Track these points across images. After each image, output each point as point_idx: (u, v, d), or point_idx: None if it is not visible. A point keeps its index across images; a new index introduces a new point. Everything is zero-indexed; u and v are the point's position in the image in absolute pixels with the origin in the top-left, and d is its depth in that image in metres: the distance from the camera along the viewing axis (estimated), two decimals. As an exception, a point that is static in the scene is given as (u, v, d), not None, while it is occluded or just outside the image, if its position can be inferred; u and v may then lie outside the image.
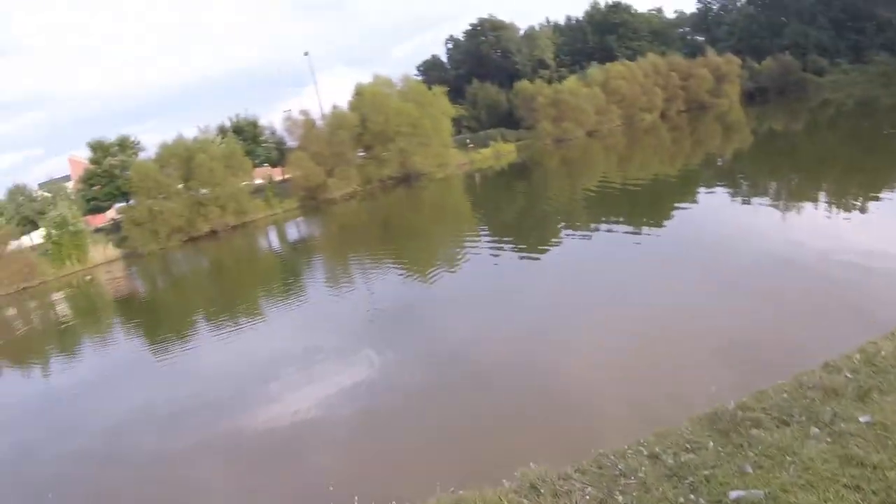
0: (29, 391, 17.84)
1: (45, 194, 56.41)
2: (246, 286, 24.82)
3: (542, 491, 4.96)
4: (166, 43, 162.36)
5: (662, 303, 10.27)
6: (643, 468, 4.87)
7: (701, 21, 78.99)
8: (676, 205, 18.35)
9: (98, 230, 53.70)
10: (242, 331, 16.37)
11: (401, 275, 17.64)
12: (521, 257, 15.74)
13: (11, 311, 39.82)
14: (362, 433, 8.47)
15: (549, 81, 62.79)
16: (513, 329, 10.76)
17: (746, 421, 5.20)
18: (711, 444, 5.01)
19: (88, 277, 44.83)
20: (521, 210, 24.95)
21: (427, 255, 19.63)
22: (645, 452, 5.15)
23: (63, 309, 36.06)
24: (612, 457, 5.19)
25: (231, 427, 9.94)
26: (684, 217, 16.91)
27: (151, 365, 15.86)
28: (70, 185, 58.78)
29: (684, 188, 21.46)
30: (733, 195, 19.00)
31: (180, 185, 48.36)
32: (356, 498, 6.20)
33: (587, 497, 4.70)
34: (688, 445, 5.08)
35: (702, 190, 20.43)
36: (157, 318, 23.93)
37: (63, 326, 29.21)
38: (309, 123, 51.60)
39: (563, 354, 9.23)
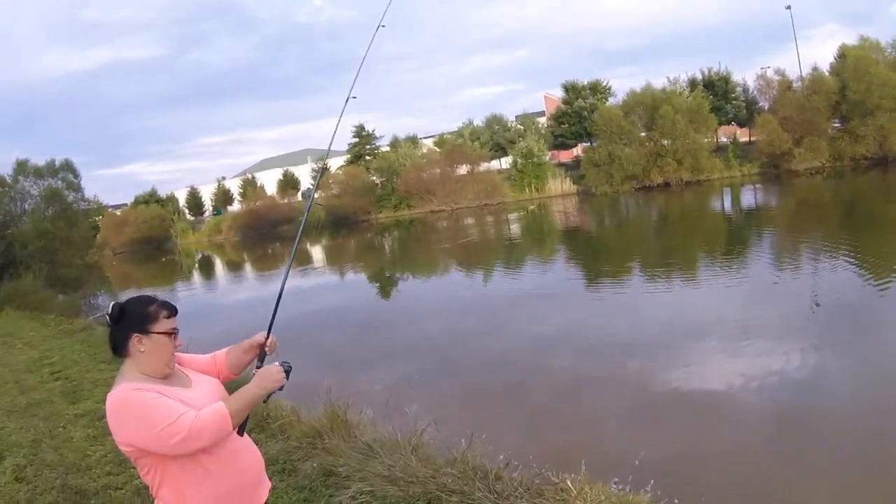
0: (464, 288, 21.30)
1: (519, 126, 62.90)
2: (688, 244, 25.30)
3: None
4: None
5: None
6: None
7: None
8: None
9: (560, 165, 58.61)
10: (673, 286, 16.99)
11: (856, 272, 16.08)
12: None
13: (469, 221, 45.83)
14: (773, 432, 7.82)
15: None
16: None
17: None
18: None
19: (541, 206, 49.21)
20: None
21: (891, 255, 17.64)
22: None
23: (514, 228, 40.52)
24: None
25: (639, 372, 10.41)
26: None
27: (582, 296, 17.69)
28: (542, 120, 64.46)
29: None
30: None
31: (642, 134, 50.28)
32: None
33: None
34: None
35: None
36: (597, 254, 25.86)
37: (510, 242, 33.07)
38: (784, 84, 49.30)
39: None
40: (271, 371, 2.67)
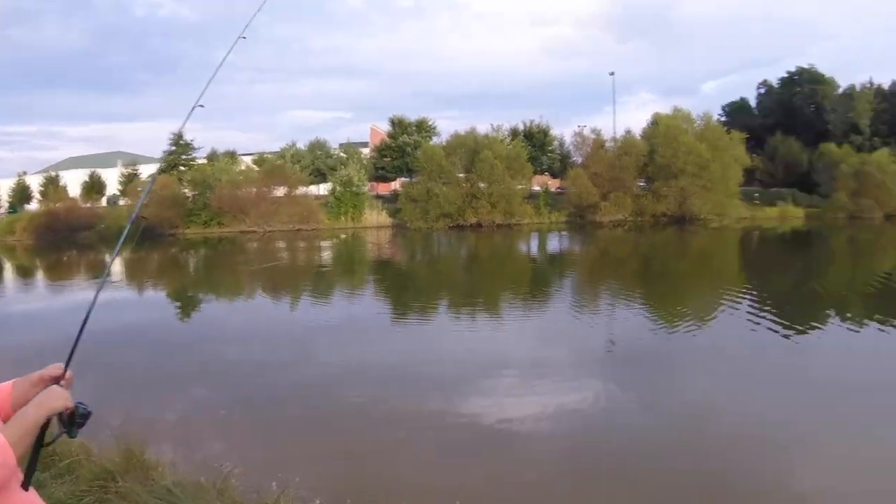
0: (269, 315, 20.21)
1: (342, 154, 62.33)
2: (494, 283, 25.81)
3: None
4: (486, 39, 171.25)
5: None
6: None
7: None
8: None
9: (378, 197, 58.43)
10: (477, 322, 17.14)
11: (648, 316, 17.43)
12: (777, 331, 14.46)
13: (281, 244, 44.77)
14: (561, 463, 8.20)
15: (859, 149, 57.65)
16: (742, 405, 9.94)
17: None
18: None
19: (355, 235, 48.88)
20: (792, 283, 23.62)
21: (679, 303, 19.19)
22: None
23: (326, 256, 39.83)
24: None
25: (438, 406, 10.28)
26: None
27: (386, 327, 17.21)
28: (366, 151, 64.33)
29: None
30: None
31: (461, 175, 51.22)
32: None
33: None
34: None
35: None
36: (405, 288, 25.63)
37: (321, 270, 32.41)
38: (598, 143, 52.46)
39: (788, 451, 8.22)
40: (53, 391, 2.15)
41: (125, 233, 2.91)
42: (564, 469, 8.03)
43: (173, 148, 64.07)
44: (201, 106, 3.27)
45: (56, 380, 2.29)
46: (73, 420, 2.17)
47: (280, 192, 56.52)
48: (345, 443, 8.92)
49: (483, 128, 55.44)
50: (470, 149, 51.55)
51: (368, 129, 76.07)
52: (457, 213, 49.69)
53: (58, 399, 2.10)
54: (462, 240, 44.06)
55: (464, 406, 10.31)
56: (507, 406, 10.18)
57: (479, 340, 14.92)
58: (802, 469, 7.75)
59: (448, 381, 11.67)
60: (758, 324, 15.39)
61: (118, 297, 25.30)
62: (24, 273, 39.63)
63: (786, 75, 70.95)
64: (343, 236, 48.93)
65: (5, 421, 2.23)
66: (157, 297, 26.39)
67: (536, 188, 55.43)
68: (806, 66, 69.46)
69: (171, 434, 8.41)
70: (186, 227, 56.32)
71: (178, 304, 23.90)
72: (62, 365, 2.37)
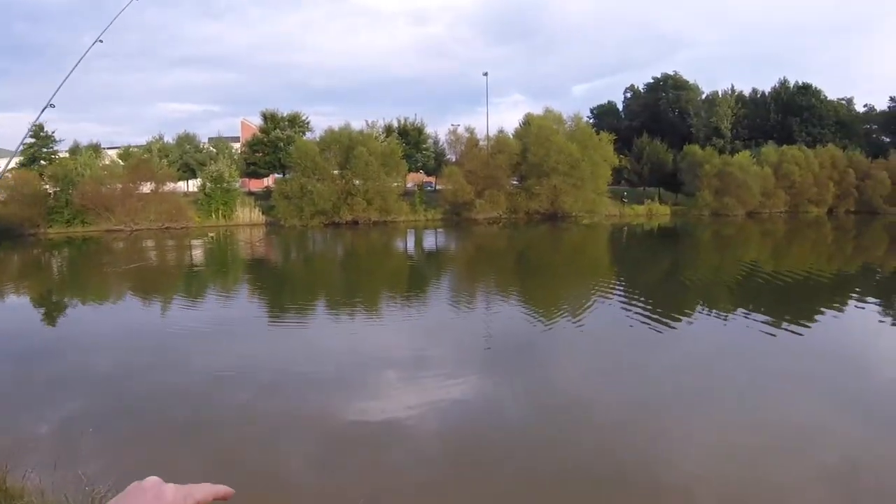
0: (139, 319, 19.46)
1: (211, 149, 60.32)
2: (371, 280, 25.82)
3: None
4: (363, 35, 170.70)
5: (779, 415, 9.44)
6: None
7: (890, 121, 73.12)
8: (822, 308, 17.81)
9: (250, 193, 56.99)
10: (356, 320, 17.12)
11: (524, 310, 17.91)
12: (648, 323, 15.24)
13: (150, 243, 43.13)
14: (445, 455, 8.41)
15: (721, 151, 61.44)
16: (618, 395, 10.48)
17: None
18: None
19: (227, 234, 47.59)
20: (660, 276, 24.79)
21: (554, 297, 19.88)
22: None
23: (197, 255, 38.63)
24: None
25: (320, 406, 10.34)
26: (829, 324, 15.80)
27: (262, 328, 16.96)
28: (237, 146, 62.52)
29: (835, 293, 20.82)
30: (884, 314, 18.27)
31: (335, 171, 50.66)
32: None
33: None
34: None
35: (853, 300, 19.70)
36: (281, 286, 25.22)
37: (192, 270, 31.47)
38: (472, 141, 53.16)
39: (658, 439, 8.67)
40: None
41: None
42: (449, 462, 8.20)
43: (32, 140, 60.48)
44: (52, 106, 3.15)
45: None
46: None
47: (147, 188, 54.13)
48: (226, 452, 8.73)
49: (358, 124, 55.45)
50: (344, 145, 51.01)
51: (239, 124, 74.01)
52: (332, 211, 49.08)
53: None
54: (338, 237, 43.66)
55: (348, 405, 10.31)
56: (391, 403, 10.26)
57: (360, 340, 14.93)
58: (673, 455, 8.15)
59: (330, 381, 11.66)
60: (629, 315, 16.20)
61: None
62: None
63: (652, 80, 74.37)
64: (215, 235, 47.49)
65: None
66: (17, 302, 24.85)
67: (411, 185, 55.59)
68: (671, 73, 72.99)
69: (37, 455, 7.90)
70: (49, 226, 53.00)
71: (41, 309, 22.50)
72: None
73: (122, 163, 57.66)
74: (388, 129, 57.11)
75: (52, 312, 21.82)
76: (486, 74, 64.22)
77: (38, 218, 52.15)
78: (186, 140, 62.07)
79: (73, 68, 3.11)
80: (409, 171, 54.66)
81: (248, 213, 53.07)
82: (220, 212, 52.64)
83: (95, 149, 60.55)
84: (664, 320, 15.62)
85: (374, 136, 53.86)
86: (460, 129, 55.09)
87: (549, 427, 9.14)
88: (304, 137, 55.91)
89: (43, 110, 2.92)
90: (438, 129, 72.85)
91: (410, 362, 12.72)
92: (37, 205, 52.27)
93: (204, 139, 63.70)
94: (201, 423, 9.77)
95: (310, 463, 8.33)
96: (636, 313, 16.28)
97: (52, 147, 60.72)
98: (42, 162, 58.92)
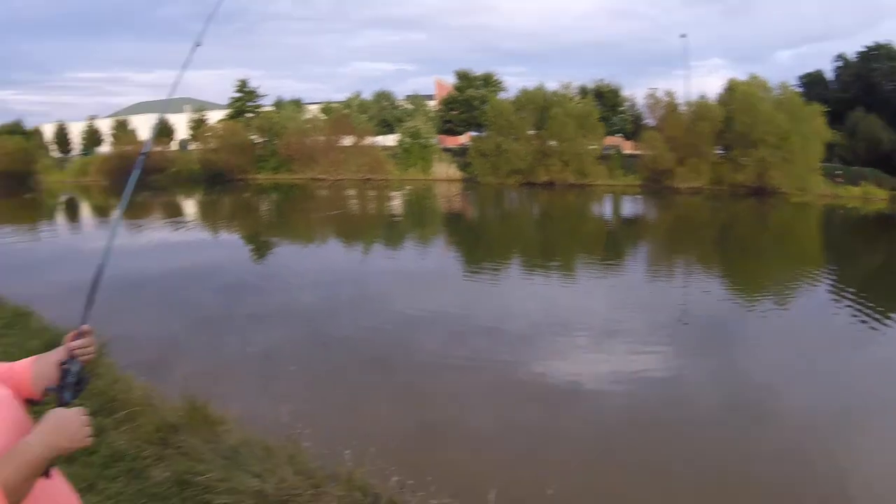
0: (339, 262, 20.62)
1: (408, 106, 61.53)
2: (568, 242, 25.65)
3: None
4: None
5: None
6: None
7: None
8: None
9: (447, 150, 57.81)
10: (550, 281, 17.22)
11: (724, 289, 17.29)
12: (859, 320, 13.65)
13: (351, 192, 44.79)
14: (618, 427, 8.19)
15: (943, 131, 55.94)
16: (813, 396, 9.55)
17: None
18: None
19: (425, 188, 48.62)
20: (877, 268, 22.50)
21: (758, 279, 18.94)
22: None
23: (396, 206, 39.72)
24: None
25: (505, 361, 10.41)
26: None
27: (457, 280, 17.49)
28: (431, 104, 63.46)
29: None
30: None
31: (531, 132, 50.32)
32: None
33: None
34: None
35: None
36: (476, 242, 25.92)
37: (391, 219, 32.29)
38: (671, 106, 50.97)
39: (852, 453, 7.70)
40: (67, 419, 1.68)
41: (135, 174, 2.49)
42: (622, 435, 8.04)
43: (238, 94, 64.19)
44: (199, 45, 3.06)
45: (69, 351, 1.93)
46: (70, 384, 1.85)
47: (347, 141, 56.31)
48: (412, 394, 9.12)
49: (551, 85, 54.25)
50: (539, 105, 50.83)
51: (433, 83, 75.25)
52: (528, 170, 49.16)
53: (72, 434, 1.65)
54: (534, 197, 43.81)
55: (532, 363, 10.38)
56: (575, 367, 10.23)
57: (551, 301, 14.90)
58: (863, 457, 7.54)
59: (517, 338, 11.71)
60: (838, 309, 14.86)
61: (191, 238, 25.60)
62: (101, 212, 40.42)
63: (863, 49, 68.69)
64: (409, 188, 48.71)
65: (28, 400, 1.93)
66: (229, 240, 26.64)
67: (609, 149, 54.25)
68: (883, 42, 67.19)
69: (238, 386, 8.25)
70: (257, 172, 56.85)
71: (249, 247, 24.30)
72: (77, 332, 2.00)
73: (323, 117, 60.04)
74: (583, 91, 55.94)
75: (259, 251, 23.24)
76: (684, 36, 61.79)
77: (246, 165, 56.02)
78: (383, 97, 63.92)
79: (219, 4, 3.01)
80: (606, 134, 53.24)
81: (444, 169, 54.14)
82: (418, 166, 54.00)
83: (297, 104, 63.61)
84: (879, 318, 13.91)
85: (569, 97, 52.99)
86: (659, 93, 52.96)
87: (731, 417, 8.64)
88: (499, 97, 55.87)
89: (193, 50, 2.84)
90: (635, 92, 69.88)
91: (600, 328, 12.59)
92: (244, 153, 56.14)
93: (400, 97, 65.18)
94: (391, 364, 10.17)
95: (487, 413, 8.44)
96: (846, 307, 14.77)
97: (256, 101, 64.18)
98: (248, 115, 62.32)
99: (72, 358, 1.88)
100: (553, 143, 49.19)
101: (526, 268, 19.25)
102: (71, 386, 1.82)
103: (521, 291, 15.85)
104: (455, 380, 9.57)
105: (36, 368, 1.97)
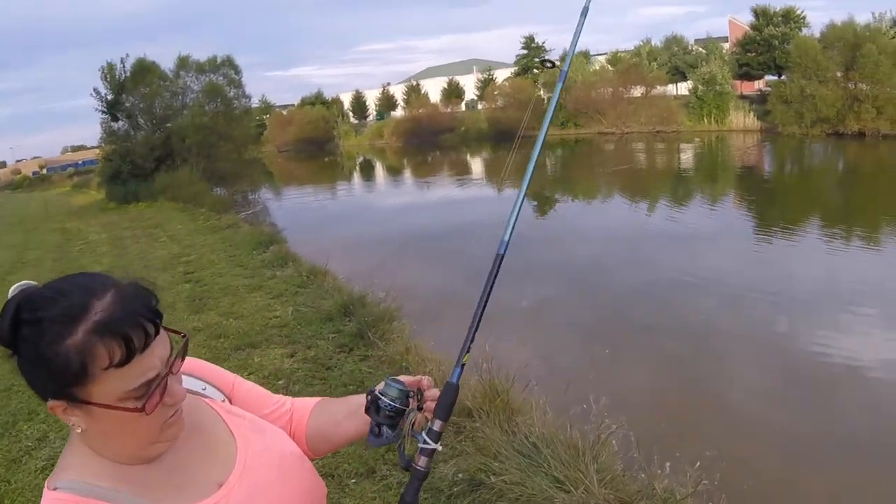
0: (621, 218, 20.96)
1: (700, 50, 59.91)
2: (874, 205, 22.53)
3: None
4: None
5: None
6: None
7: None
8: None
9: (743, 97, 55.82)
10: (850, 249, 15.51)
11: None
12: None
13: (639, 146, 44.95)
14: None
15: None
16: None
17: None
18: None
19: (719, 139, 47.22)
20: None
21: None
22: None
23: (686, 160, 39.28)
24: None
25: (779, 333, 9.84)
26: None
27: (742, 241, 16.79)
28: (726, 46, 61.30)
29: None
30: None
31: (838, 73, 46.78)
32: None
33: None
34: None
35: None
36: (771, 200, 24.44)
37: (680, 174, 31.89)
38: None
39: None
40: None
41: (542, 136, 2.19)
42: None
43: (524, 51, 66.26)
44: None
45: (415, 394, 1.51)
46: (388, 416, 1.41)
47: (637, 92, 56.35)
48: (676, 359, 8.97)
49: (862, 18, 49.49)
50: (849, 43, 46.10)
51: (726, 23, 72.09)
52: (836, 119, 45.04)
53: None
54: (841, 150, 40.26)
55: (810, 337, 9.67)
56: (860, 346, 9.20)
57: (846, 270, 13.57)
58: None
59: (799, 308, 11.00)
60: None
61: (480, 194, 28.76)
62: (394, 172, 44.69)
63: None
64: (698, 140, 47.82)
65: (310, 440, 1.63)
66: (512, 196, 28.04)
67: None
68: None
69: (539, 368, 7.62)
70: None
71: (533, 203, 25.05)
72: (424, 378, 1.58)
73: (611, 68, 60.39)
74: (897, 23, 50.64)
75: (542, 207, 24.75)
76: None
77: (533, 121, 57.34)
78: (674, 42, 62.89)
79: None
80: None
81: (741, 118, 52.37)
82: (713, 116, 52.71)
83: (585, 55, 64.35)
84: None
85: (882, 30, 48.04)
86: None
87: None
88: (802, 34, 52.49)
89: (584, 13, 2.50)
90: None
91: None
92: (532, 109, 57.52)
93: (690, 41, 63.52)
94: (658, 328, 10.10)
95: (751, 388, 8.09)
96: None
97: (542, 57, 65.66)
98: (535, 71, 64.29)
99: (409, 401, 1.46)
100: (864, 86, 44.81)
101: (824, 232, 17.45)
102: (388, 418, 1.39)
103: (814, 259, 14.69)
104: (717, 346, 9.35)
105: (318, 414, 1.65)
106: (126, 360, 1.09)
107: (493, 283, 1.62)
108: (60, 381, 1.08)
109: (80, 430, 1.14)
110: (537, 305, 11.79)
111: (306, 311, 8.53)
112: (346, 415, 1.59)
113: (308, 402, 1.68)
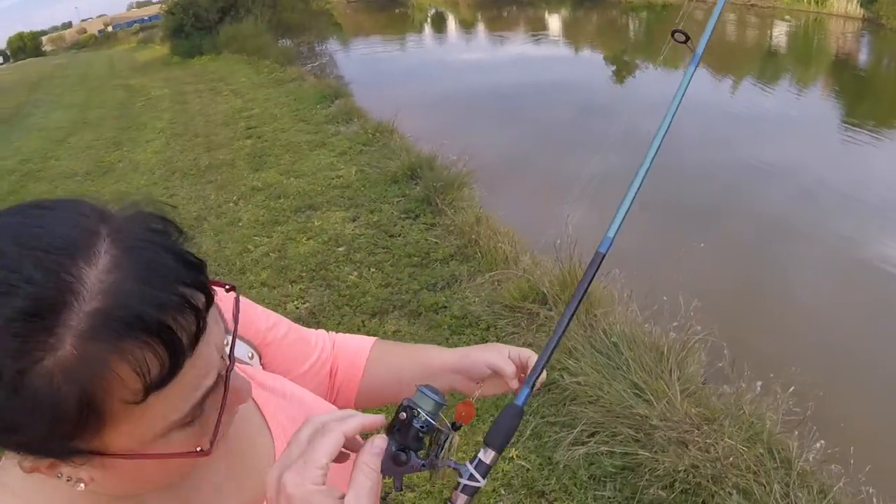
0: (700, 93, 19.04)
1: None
2: None
3: None
4: None
5: None
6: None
7: None
8: None
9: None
10: None
11: None
12: None
13: (731, 17, 42.77)
14: None
15: None
16: None
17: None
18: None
19: (817, 21, 44.61)
20: None
21: None
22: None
23: (777, 38, 37.14)
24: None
25: (843, 237, 8.26)
26: None
27: (828, 131, 14.61)
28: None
29: None
30: None
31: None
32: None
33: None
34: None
35: None
36: (861, 93, 21.79)
37: (769, 53, 29.80)
38: None
39: None
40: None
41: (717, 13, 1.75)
42: None
43: None
44: None
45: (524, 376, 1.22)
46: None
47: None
48: (733, 247, 8.12)
49: None
50: None
51: None
52: None
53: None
54: None
55: (875, 242, 8.57)
56: None
57: None
58: None
59: (871, 212, 9.78)
60: None
61: (554, 53, 27.48)
62: (467, 25, 43.68)
63: None
64: (787, 18, 45.38)
65: (346, 406, 1.11)
66: (587, 58, 26.90)
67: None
68: None
69: (620, 253, 6.81)
70: (633, -10, 56.27)
71: (610, 67, 24.02)
72: (528, 353, 1.32)
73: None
74: None
75: (618, 72, 23.02)
76: None
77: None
78: None
79: None
80: None
81: (843, 3, 49.40)
82: (813, -2, 49.80)
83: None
84: None
85: None
86: None
87: None
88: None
89: None
90: None
91: None
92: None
93: None
94: (723, 211, 9.32)
95: (812, 292, 7.22)
96: None
97: None
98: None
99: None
100: None
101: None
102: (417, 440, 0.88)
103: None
104: (781, 241, 8.31)
105: (376, 369, 1.29)
106: (170, 372, 0.60)
107: (589, 284, 1.21)
108: (47, 435, 0.58)
109: (81, 488, 0.67)
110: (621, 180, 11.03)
111: (371, 171, 8.19)
112: (420, 374, 1.22)
113: (357, 348, 1.30)
